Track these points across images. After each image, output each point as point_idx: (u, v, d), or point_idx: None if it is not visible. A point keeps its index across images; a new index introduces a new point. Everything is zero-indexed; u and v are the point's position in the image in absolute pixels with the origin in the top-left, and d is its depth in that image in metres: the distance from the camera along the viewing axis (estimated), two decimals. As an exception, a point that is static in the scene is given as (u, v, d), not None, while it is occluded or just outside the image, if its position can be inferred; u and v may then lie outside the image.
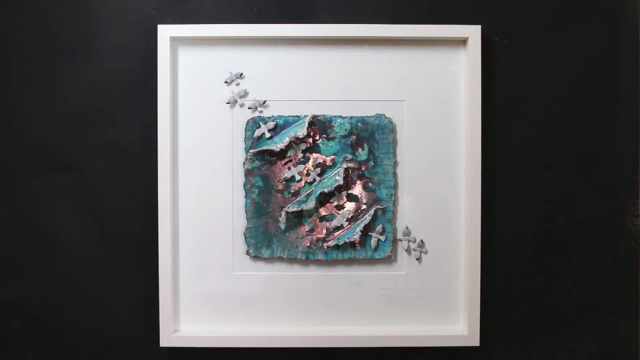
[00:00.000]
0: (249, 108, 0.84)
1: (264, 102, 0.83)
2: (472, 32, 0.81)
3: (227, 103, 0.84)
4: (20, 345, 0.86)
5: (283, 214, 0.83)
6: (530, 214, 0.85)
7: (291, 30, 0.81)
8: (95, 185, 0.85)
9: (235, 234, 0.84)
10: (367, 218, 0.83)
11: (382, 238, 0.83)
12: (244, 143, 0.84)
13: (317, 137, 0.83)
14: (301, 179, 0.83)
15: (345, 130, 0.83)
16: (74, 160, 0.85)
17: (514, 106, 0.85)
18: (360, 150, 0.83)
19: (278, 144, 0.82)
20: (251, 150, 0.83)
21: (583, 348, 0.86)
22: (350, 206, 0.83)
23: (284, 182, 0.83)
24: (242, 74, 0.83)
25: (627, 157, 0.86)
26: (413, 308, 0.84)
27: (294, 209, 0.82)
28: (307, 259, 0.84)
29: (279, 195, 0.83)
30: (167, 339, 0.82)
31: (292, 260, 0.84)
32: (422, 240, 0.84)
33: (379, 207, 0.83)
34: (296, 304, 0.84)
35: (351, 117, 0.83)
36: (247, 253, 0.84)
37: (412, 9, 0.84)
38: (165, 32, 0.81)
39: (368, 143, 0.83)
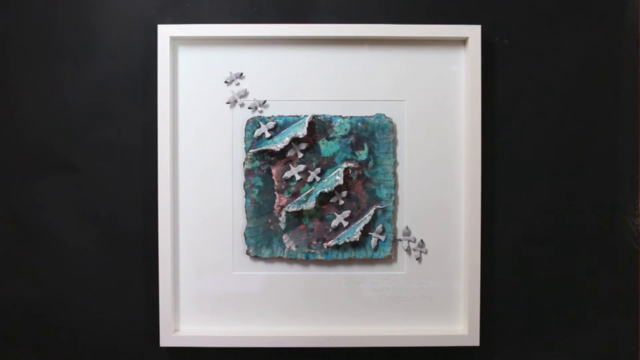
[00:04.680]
0: (249, 108, 0.84)
1: (264, 102, 0.83)
2: (472, 32, 0.81)
3: (227, 103, 0.84)
4: (21, 345, 0.86)
5: (283, 214, 0.83)
6: (530, 214, 0.85)
7: (291, 30, 0.81)
8: (95, 185, 0.85)
9: (235, 234, 0.84)
10: (367, 218, 0.83)
11: (382, 238, 0.83)
12: (244, 143, 0.84)
13: (317, 137, 0.83)
14: (301, 179, 0.83)
15: (345, 130, 0.83)
16: (74, 160, 0.85)
17: (514, 106, 0.85)
18: (360, 150, 0.83)
19: (278, 144, 0.82)
20: (251, 150, 0.83)
21: (583, 348, 0.86)
22: (350, 206, 0.83)
23: (284, 182, 0.83)
24: (242, 74, 0.83)
25: (627, 157, 0.86)
26: (413, 308, 0.84)
27: (294, 209, 0.82)
28: (307, 259, 0.84)
29: (279, 195, 0.83)
30: (167, 339, 0.82)
31: (292, 260, 0.84)
32: (422, 240, 0.84)
33: (379, 207, 0.83)
34: (296, 304, 0.84)
35: (351, 117, 0.83)
36: (247, 253, 0.84)
37: (412, 9, 0.84)
38: (165, 32, 0.81)
39: (368, 143, 0.83)
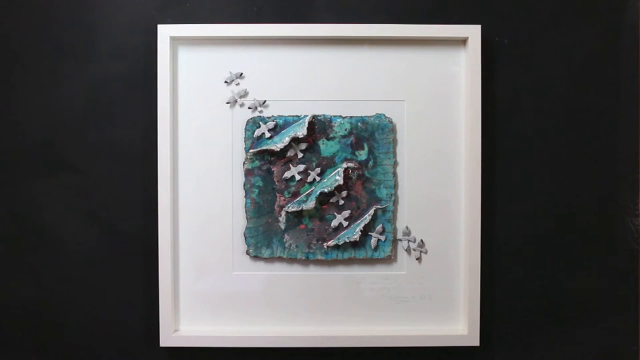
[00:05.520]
0: (249, 108, 0.84)
1: (264, 102, 0.83)
2: (472, 32, 0.81)
3: (227, 103, 0.84)
4: (20, 345, 0.86)
5: (283, 214, 0.83)
6: (530, 214, 0.85)
7: (291, 30, 0.81)
8: (95, 185, 0.85)
9: (235, 234, 0.84)
10: (367, 218, 0.83)
11: (382, 238, 0.83)
12: (244, 143, 0.84)
13: (317, 137, 0.83)
14: (301, 179, 0.83)
15: (345, 130, 0.83)
16: (74, 160, 0.85)
17: (514, 106, 0.85)
18: (360, 150, 0.83)
19: (278, 144, 0.82)
20: (251, 150, 0.83)
21: (583, 348, 0.86)
22: (350, 206, 0.83)
23: (284, 182, 0.83)
24: (242, 74, 0.83)
25: (627, 157, 0.86)
26: (413, 308, 0.84)
27: (294, 209, 0.82)
28: (307, 259, 0.84)
29: (279, 195, 0.83)
30: (167, 339, 0.82)
31: (292, 260, 0.84)
32: (422, 240, 0.84)
33: (379, 207, 0.83)
34: (296, 304, 0.84)
35: (351, 117, 0.83)
36: (247, 253, 0.84)
37: (412, 9, 0.84)
38: (165, 32, 0.81)
39: (368, 143, 0.83)
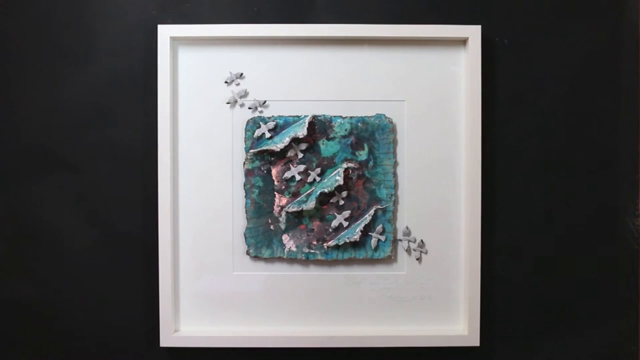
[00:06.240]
0: (249, 108, 0.84)
1: (264, 102, 0.83)
2: (472, 32, 0.81)
3: (227, 103, 0.84)
4: (20, 345, 0.86)
5: (283, 214, 0.83)
6: (530, 213, 0.85)
7: (291, 30, 0.81)
8: (95, 185, 0.85)
9: (235, 234, 0.84)
10: (367, 218, 0.83)
11: (382, 238, 0.83)
12: (244, 143, 0.84)
13: (317, 137, 0.83)
14: (301, 179, 0.83)
15: (345, 130, 0.83)
16: (74, 160, 0.85)
17: (514, 106, 0.85)
18: (360, 150, 0.83)
19: (278, 144, 0.82)
20: (251, 150, 0.83)
21: (583, 348, 0.86)
22: (350, 206, 0.83)
23: (284, 182, 0.83)
24: (242, 74, 0.83)
25: (627, 157, 0.86)
26: (413, 308, 0.84)
27: (294, 209, 0.82)
28: (307, 259, 0.84)
29: (279, 195, 0.83)
30: (167, 339, 0.82)
31: (292, 260, 0.84)
32: (422, 240, 0.84)
33: (379, 207, 0.83)
34: (296, 304, 0.84)
35: (351, 117, 0.83)
36: (247, 253, 0.84)
37: (412, 9, 0.84)
38: (165, 32, 0.81)
39: (368, 143, 0.83)
